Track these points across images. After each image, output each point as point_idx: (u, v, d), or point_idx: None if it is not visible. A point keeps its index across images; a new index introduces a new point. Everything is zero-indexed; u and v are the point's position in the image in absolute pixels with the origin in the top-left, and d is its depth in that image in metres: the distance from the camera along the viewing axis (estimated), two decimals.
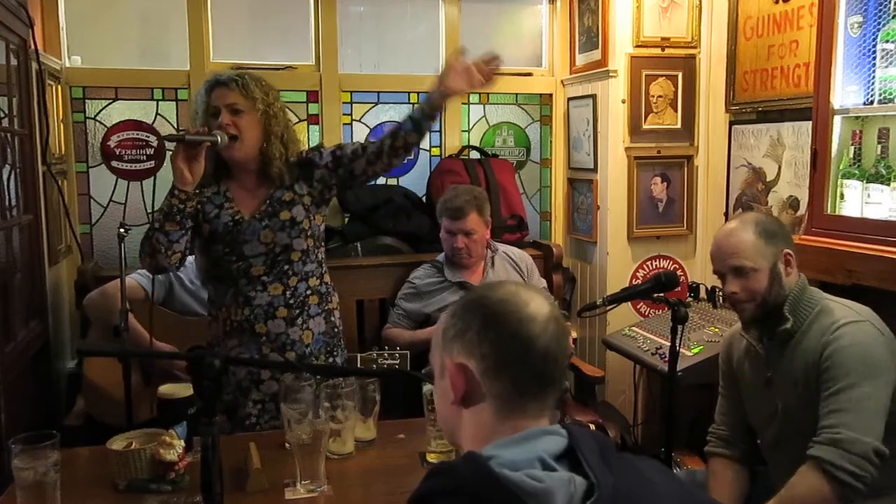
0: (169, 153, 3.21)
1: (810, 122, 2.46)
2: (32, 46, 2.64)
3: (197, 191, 2.08)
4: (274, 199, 2.16)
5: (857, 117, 2.35)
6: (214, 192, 2.16)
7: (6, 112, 2.44)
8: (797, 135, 2.80)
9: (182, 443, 1.70)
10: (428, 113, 2.13)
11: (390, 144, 2.15)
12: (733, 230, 1.84)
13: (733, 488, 1.97)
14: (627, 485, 0.95)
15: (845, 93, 2.35)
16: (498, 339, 1.01)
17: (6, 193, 2.35)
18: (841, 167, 2.37)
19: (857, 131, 2.33)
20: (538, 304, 1.03)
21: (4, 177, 2.34)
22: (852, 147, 2.34)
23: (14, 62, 2.49)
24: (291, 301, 2.17)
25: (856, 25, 2.32)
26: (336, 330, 2.29)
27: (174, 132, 1.96)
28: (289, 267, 2.16)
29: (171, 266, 2.08)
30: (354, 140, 3.51)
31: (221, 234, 2.12)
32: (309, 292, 2.20)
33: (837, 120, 2.36)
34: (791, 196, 2.86)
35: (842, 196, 2.35)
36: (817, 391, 1.72)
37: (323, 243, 2.29)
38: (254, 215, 2.14)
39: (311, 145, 2.48)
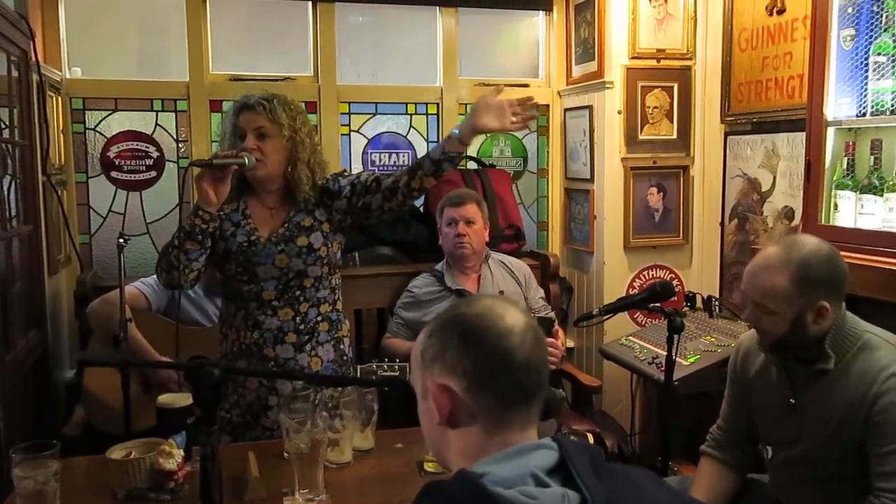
0: (174, 167, 3.30)
1: (804, 133, 2.49)
2: (33, 58, 2.66)
3: (220, 212, 2.08)
4: (293, 223, 2.14)
5: (850, 129, 2.38)
6: (234, 209, 2.14)
7: (6, 123, 2.45)
8: (792, 145, 2.82)
9: (181, 452, 1.71)
10: (449, 153, 2.03)
11: (406, 183, 2.07)
12: (769, 267, 1.70)
13: (713, 488, 1.97)
14: (620, 496, 0.95)
15: (838, 105, 2.38)
16: (478, 356, 1.01)
17: (6, 204, 2.37)
18: (834, 178, 2.40)
19: (851, 143, 2.36)
20: (514, 316, 1.03)
21: (4, 187, 2.36)
22: (846, 158, 2.37)
23: (15, 73, 2.50)
24: (301, 327, 2.14)
25: (848, 38, 2.35)
26: (345, 358, 2.25)
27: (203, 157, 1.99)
28: (301, 293, 2.14)
29: (185, 284, 2.06)
30: (356, 155, 3.55)
31: (235, 253, 2.10)
32: (319, 318, 2.17)
33: (831, 131, 2.39)
34: (786, 206, 2.88)
35: (835, 206, 2.38)
36: (852, 436, 1.68)
37: (338, 270, 2.24)
38: (270, 237, 2.12)
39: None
